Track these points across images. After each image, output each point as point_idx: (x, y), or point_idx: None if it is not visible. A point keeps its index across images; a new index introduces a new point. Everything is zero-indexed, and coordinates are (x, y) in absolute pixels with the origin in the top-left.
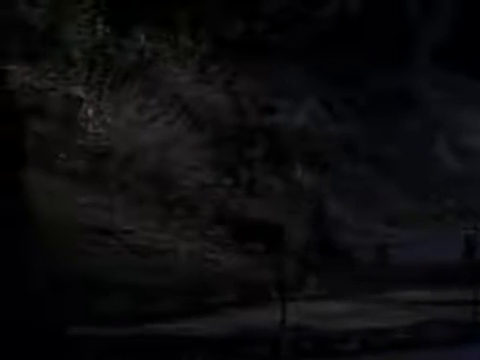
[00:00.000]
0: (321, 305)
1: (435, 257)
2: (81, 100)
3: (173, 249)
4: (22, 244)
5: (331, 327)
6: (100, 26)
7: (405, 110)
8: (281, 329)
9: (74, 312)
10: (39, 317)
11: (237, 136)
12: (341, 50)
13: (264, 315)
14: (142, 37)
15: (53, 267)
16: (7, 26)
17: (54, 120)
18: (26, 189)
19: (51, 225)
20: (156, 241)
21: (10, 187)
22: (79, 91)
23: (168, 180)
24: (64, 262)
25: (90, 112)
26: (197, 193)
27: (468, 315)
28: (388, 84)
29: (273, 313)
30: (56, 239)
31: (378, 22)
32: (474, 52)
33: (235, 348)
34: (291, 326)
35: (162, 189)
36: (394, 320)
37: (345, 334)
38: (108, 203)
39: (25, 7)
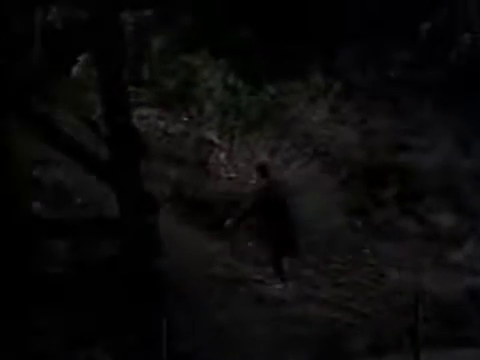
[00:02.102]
0: (455, 353)
1: None
2: (213, 144)
3: (305, 297)
4: (153, 294)
5: None
6: (232, 76)
7: None
8: None
9: None
10: None
11: (370, 176)
12: (473, 86)
13: None
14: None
15: (185, 317)
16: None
17: (186, 164)
18: (157, 235)
19: (181, 273)
20: (286, 290)
21: (142, 233)
22: (211, 135)
23: (301, 225)
24: (195, 312)
25: (222, 156)
26: (330, 238)
27: None
28: None
29: None
30: (187, 288)
31: None
32: None
33: None
34: None
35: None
36: None
37: None
38: (240, 250)
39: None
